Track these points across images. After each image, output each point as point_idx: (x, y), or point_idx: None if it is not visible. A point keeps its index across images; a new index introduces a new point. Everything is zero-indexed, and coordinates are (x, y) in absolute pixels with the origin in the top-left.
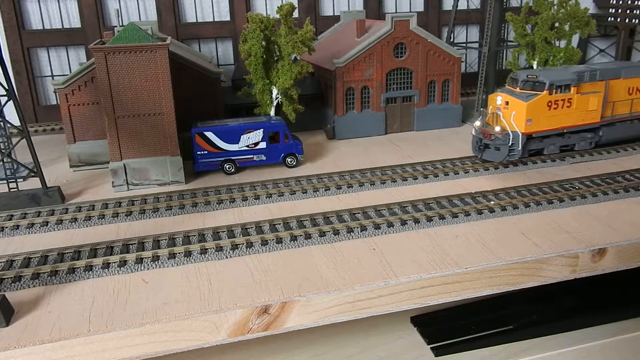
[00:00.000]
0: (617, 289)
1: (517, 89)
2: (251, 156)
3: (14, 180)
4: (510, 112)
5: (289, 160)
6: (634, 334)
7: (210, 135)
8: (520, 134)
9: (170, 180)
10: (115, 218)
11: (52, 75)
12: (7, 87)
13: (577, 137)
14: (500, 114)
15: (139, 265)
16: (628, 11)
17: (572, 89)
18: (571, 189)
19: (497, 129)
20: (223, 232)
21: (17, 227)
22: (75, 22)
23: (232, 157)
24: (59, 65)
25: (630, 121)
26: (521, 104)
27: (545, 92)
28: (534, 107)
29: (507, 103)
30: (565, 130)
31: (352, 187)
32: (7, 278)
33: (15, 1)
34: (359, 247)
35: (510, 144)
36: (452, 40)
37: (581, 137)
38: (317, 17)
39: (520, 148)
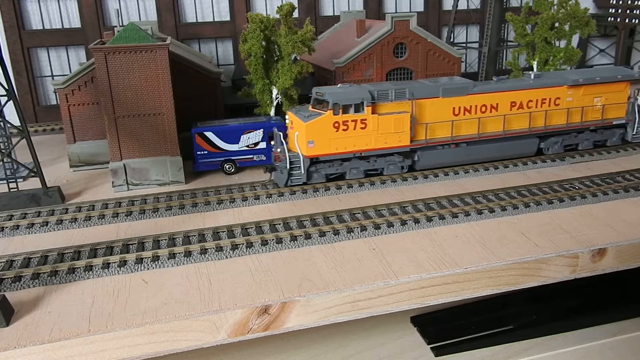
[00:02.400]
0: (617, 289)
1: (310, 107)
2: (251, 156)
3: (14, 180)
4: (294, 133)
5: None
6: (633, 334)
7: (210, 135)
8: (302, 157)
9: (170, 180)
10: (115, 218)
11: (52, 75)
12: (7, 87)
13: (383, 161)
14: (288, 134)
15: (139, 265)
16: (628, 11)
17: (367, 108)
18: (571, 189)
19: (278, 150)
20: (223, 232)
21: (17, 227)
22: (75, 22)
23: (232, 157)
24: (59, 65)
25: (455, 144)
26: (301, 124)
27: (329, 111)
28: (316, 128)
29: (292, 123)
30: (364, 154)
31: (352, 187)
32: (7, 278)
33: (15, 1)
34: (359, 247)
35: (289, 168)
36: (452, 40)
37: (389, 161)
38: (317, 17)
39: (303, 172)
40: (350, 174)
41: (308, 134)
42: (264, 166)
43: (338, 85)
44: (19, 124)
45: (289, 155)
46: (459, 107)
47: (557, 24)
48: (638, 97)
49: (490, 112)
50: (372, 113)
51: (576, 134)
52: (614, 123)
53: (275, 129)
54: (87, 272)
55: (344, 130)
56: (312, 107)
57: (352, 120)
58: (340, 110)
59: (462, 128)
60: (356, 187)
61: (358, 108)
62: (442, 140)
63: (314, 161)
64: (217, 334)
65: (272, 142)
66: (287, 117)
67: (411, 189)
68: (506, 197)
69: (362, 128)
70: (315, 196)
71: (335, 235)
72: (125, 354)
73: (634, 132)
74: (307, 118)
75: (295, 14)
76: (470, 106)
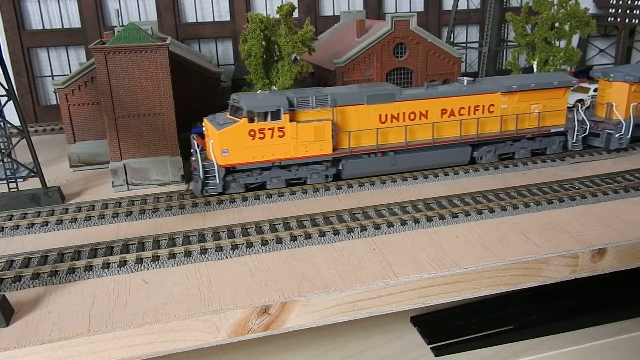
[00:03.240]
0: (617, 289)
1: (228, 115)
2: None
3: (14, 180)
4: (209, 141)
5: None
6: (633, 334)
7: None
8: (216, 166)
9: (170, 181)
10: (115, 218)
11: (52, 75)
12: (7, 87)
13: (306, 170)
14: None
15: (139, 265)
16: (628, 11)
17: (284, 116)
18: (571, 189)
19: (192, 159)
20: (223, 232)
21: (17, 227)
22: (75, 22)
23: None
24: (59, 65)
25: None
26: (215, 132)
27: (243, 119)
28: (230, 136)
29: (207, 130)
30: (284, 163)
31: (352, 187)
32: (7, 278)
33: (15, 1)
34: (359, 247)
35: (203, 177)
36: (452, 40)
37: (312, 170)
38: (317, 17)
39: (219, 181)
40: (271, 184)
41: (222, 143)
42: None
43: (258, 92)
44: (19, 124)
45: (203, 164)
46: (386, 115)
47: (557, 24)
48: (579, 104)
49: (420, 119)
50: (291, 121)
51: (512, 142)
52: (553, 131)
53: (192, 136)
54: (87, 272)
55: (260, 138)
56: (230, 115)
57: (269, 129)
58: (256, 118)
59: (389, 136)
60: (356, 187)
61: (275, 116)
62: (367, 148)
63: (230, 170)
64: (217, 334)
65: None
66: (203, 124)
67: (411, 189)
68: (506, 197)
69: (280, 136)
70: (315, 196)
71: (335, 235)
72: (125, 354)
73: (574, 140)
74: (221, 126)
75: (295, 14)
76: (398, 113)
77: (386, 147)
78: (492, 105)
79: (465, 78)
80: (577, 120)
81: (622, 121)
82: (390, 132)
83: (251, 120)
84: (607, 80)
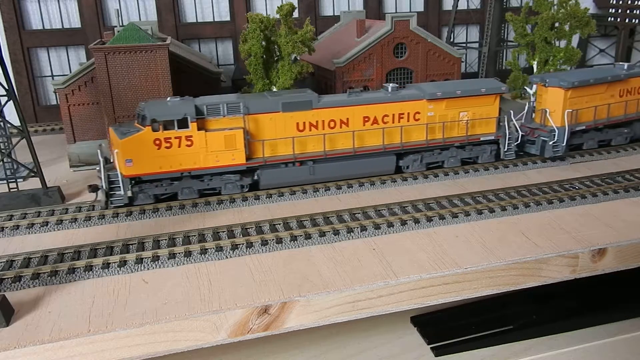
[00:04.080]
0: (617, 289)
1: (136, 123)
2: None
3: (14, 180)
4: (114, 151)
5: None
6: (633, 334)
7: None
8: (120, 176)
9: None
10: (115, 218)
11: (52, 75)
12: (7, 87)
13: (219, 180)
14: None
15: (139, 265)
16: (628, 11)
17: (192, 124)
18: (571, 189)
19: (96, 168)
20: (223, 232)
21: (17, 227)
22: (75, 22)
23: None
24: (59, 65)
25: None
26: (118, 141)
27: (147, 128)
28: (134, 146)
29: (112, 140)
30: (194, 173)
31: (352, 187)
32: (7, 278)
33: (15, 1)
34: (359, 247)
35: (107, 188)
36: (452, 40)
37: (226, 180)
38: (317, 17)
39: (124, 192)
40: (183, 194)
41: (125, 152)
42: (88, 186)
43: (168, 99)
44: (19, 124)
45: (108, 175)
46: (304, 123)
47: (557, 24)
48: (510, 111)
49: (340, 127)
50: (200, 129)
51: (440, 151)
52: (482, 139)
53: (100, 145)
54: (87, 272)
55: (167, 148)
56: (137, 123)
57: (176, 137)
58: (161, 127)
59: (308, 145)
60: (356, 187)
61: (182, 124)
62: (284, 158)
63: (137, 181)
64: (217, 334)
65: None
66: (108, 133)
67: (411, 189)
68: (506, 197)
69: (188, 146)
70: (315, 196)
71: (335, 235)
72: (125, 354)
73: (505, 149)
74: (124, 135)
75: (295, 14)
76: (317, 121)
77: (304, 156)
78: (418, 112)
79: (390, 85)
80: (508, 128)
81: (555, 128)
82: (308, 140)
83: (156, 129)
84: (543, 86)
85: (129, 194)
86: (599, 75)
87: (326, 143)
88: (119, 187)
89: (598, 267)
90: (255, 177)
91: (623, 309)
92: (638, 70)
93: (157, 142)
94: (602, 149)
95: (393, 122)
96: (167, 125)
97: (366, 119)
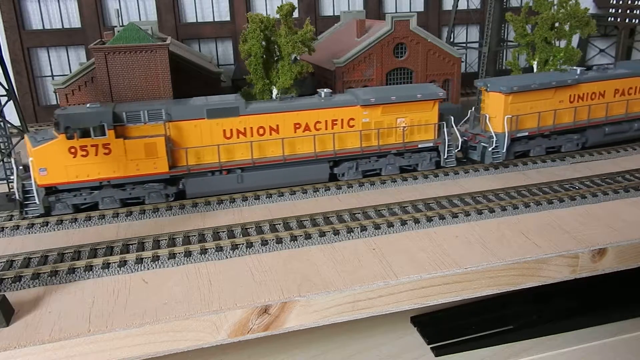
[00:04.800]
0: (617, 289)
1: (54, 130)
2: None
3: (14, 180)
4: (29, 159)
5: None
6: (633, 334)
7: None
8: (34, 186)
9: None
10: (115, 218)
11: (52, 75)
12: (7, 87)
13: (142, 189)
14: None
15: (139, 265)
16: (628, 11)
17: (109, 132)
18: (571, 189)
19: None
20: (223, 232)
21: (17, 227)
22: (75, 22)
23: None
24: (59, 65)
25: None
26: (30, 150)
27: (61, 135)
28: (47, 154)
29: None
30: (114, 182)
31: (352, 187)
32: (7, 278)
33: (15, 1)
34: (359, 247)
35: (22, 198)
36: (452, 40)
37: (149, 189)
38: (317, 17)
39: (39, 202)
40: (104, 204)
41: (38, 161)
42: (5, 195)
43: (87, 105)
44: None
45: (22, 184)
46: (231, 130)
47: (557, 24)
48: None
49: (270, 134)
50: (118, 136)
51: (377, 158)
52: (421, 146)
53: (17, 153)
54: (87, 272)
55: (83, 156)
56: (54, 130)
57: (92, 145)
58: (76, 134)
59: (236, 153)
60: (356, 187)
61: (98, 131)
62: (209, 166)
63: (53, 190)
64: (217, 334)
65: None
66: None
67: (411, 189)
68: (506, 197)
69: (105, 154)
70: (315, 196)
71: (335, 235)
72: (125, 354)
73: (446, 156)
74: (38, 143)
75: (295, 14)
76: (245, 128)
77: (231, 164)
78: (352, 119)
79: (324, 90)
80: (449, 135)
81: (493, 134)
82: (236, 148)
83: (71, 137)
84: (486, 90)
85: (44, 203)
86: (543, 80)
87: (255, 151)
88: (34, 196)
89: (598, 267)
90: (181, 186)
91: (623, 309)
92: (591, 75)
93: (73, 150)
94: (602, 149)
95: (326, 129)
96: (84, 133)
97: (297, 126)
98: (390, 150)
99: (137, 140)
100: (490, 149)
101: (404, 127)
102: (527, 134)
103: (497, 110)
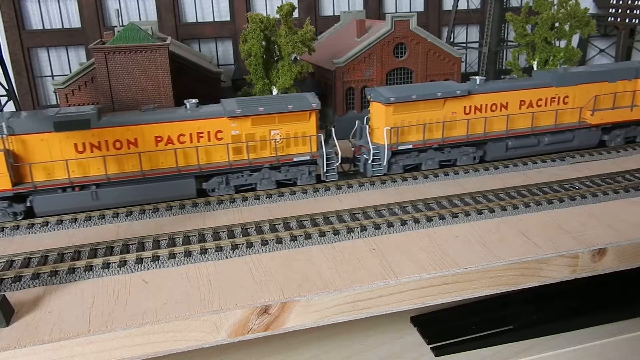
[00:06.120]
0: (617, 289)
1: None
2: None
3: None
4: None
5: None
6: (633, 334)
7: None
8: None
9: None
10: (115, 218)
11: (52, 75)
12: (7, 87)
13: None
14: None
15: (139, 265)
16: (628, 11)
17: None
18: (571, 189)
19: None
20: (223, 232)
21: (17, 227)
22: (75, 22)
23: None
24: (59, 65)
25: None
26: None
27: None
28: None
29: None
30: None
31: (352, 187)
32: (7, 278)
33: (15, 1)
34: (359, 247)
35: None
36: (452, 40)
37: None
38: (317, 17)
39: None
40: None
41: None
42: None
43: None
44: None
45: None
46: (83, 144)
47: (557, 24)
48: (332, 128)
49: (129, 148)
50: None
51: (250, 173)
52: (296, 160)
53: None
54: (87, 272)
55: None
56: None
57: None
58: None
59: (90, 168)
60: (356, 187)
61: None
62: (58, 183)
63: None
64: (217, 334)
65: None
66: None
67: (411, 189)
68: (506, 197)
69: None
70: (315, 196)
71: (335, 235)
72: (125, 354)
73: (325, 170)
74: None
75: (295, 14)
76: (99, 142)
77: (83, 180)
78: (220, 131)
79: (189, 101)
80: (330, 147)
81: (371, 146)
82: (91, 163)
83: None
84: (369, 99)
85: None
86: (427, 90)
87: (111, 166)
88: None
89: (598, 267)
90: (28, 204)
91: (623, 309)
92: (492, 86)
93: None
94: (602, 148)
95: (192, 142)
96: None
97: (159, 139)
98: (263, 164)
99: None
100: (370, 162)
101: (277, 139)
102: (411, 146)
103: (379, 121)
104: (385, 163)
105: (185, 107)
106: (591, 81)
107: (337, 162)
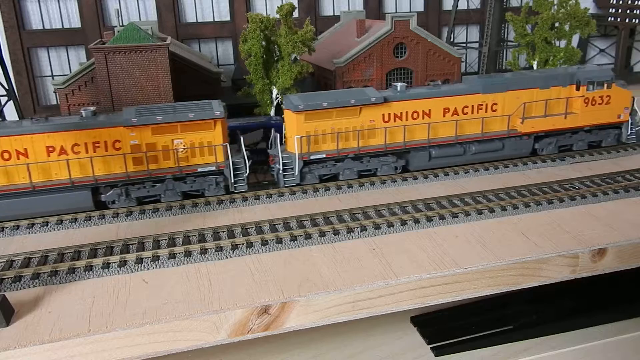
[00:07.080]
0: (617, 289)
1: None
2: None
3: None
4: None
5: None
6: (634, 334)
7: None
8: None
9: None
10: (115, 218)
11: (52, 75)
12: (7, 87)
13: None
14: None
15: (139, 265)
16: (628, 11)
17: None
18: (571, 189)
19: None
20: (223, 232)
21: (17, 227)
22: (75, 22)
23: None
24: (59, 65)
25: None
26: None
27: None
28: None
29: None
30: None
31: (352, 187)
32: (7, 278)
33: (15, 1)
34: (359, 247)
35: None
36: (452, 40)
37: None
38: (317, 17)
39: None
40: None
41: None
42: None
43: None
44: None
45: None
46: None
47: (557, 24)
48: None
49: (18, 159)
50: None
51: (153, 184)
52: (200, 170)
53: None
54: (87, 272)
55: None
56: None
57: None
58: None
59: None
60: (356, 187)
61: None
62: None
63: None
64: (217, 334)
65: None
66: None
67: (411, 189)
68: (506, 197)
69: None
70: (315, 196)
71: (335, 235)
72: (125, 354)
73: (233, 181)
74: None
75: (295, 14)
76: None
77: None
78: (118, 140)
79: (85, 109)
80: (238, 157)
81: (280, 156)
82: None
83: None
84: (283, 107)
85: None
86: (339, 98)
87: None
88: None
89: (598, 267)
90: None
91: (623, 309)
92: (413, 93)
93: None
94: (602, 149)
95: (87, 152)
96: None
97: (50, 149)
98: (164, 175)
99: None
100: (280, 172)
101: (180, 149)
102: (324, 155)
103: (291, 130)
104: (297, 173)
105: (81, 115)
106: (521, 87)
107: (246, 172)
